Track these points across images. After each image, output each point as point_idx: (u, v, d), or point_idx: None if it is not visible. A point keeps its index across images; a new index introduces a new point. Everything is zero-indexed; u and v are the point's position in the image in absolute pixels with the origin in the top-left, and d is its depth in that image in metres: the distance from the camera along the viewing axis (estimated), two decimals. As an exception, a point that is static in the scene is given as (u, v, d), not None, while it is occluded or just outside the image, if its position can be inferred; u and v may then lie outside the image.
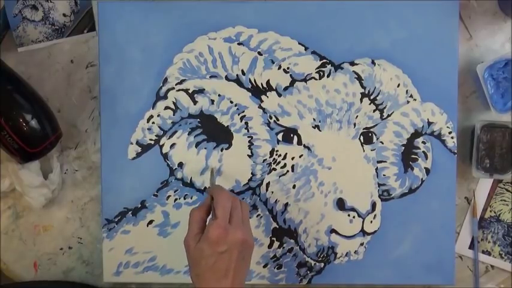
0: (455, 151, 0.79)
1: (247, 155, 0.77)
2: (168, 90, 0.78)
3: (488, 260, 0.81)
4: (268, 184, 0.77)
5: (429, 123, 0.78)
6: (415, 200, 0.79)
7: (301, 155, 0.77)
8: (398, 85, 0.78)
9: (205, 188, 0.78)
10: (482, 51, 0.80)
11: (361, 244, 0.78)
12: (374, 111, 0.78)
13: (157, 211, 0.78)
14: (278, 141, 0.77)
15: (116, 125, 0.78)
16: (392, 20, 0.78)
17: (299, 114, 0.77)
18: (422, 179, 0.79)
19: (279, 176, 0.77)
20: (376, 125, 0.78)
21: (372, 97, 0.77)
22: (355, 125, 0.77)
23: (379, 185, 0.78)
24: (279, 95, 0.77)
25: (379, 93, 0.78)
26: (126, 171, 0.78)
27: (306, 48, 0.78)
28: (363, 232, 0.77)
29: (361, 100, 0.77)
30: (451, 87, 0.78)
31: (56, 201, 0.81)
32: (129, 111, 0.78)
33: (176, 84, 0.78)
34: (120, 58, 0.78)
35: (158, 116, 0.78)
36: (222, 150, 0.77)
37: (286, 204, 0.77)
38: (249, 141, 0.77)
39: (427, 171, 0.79)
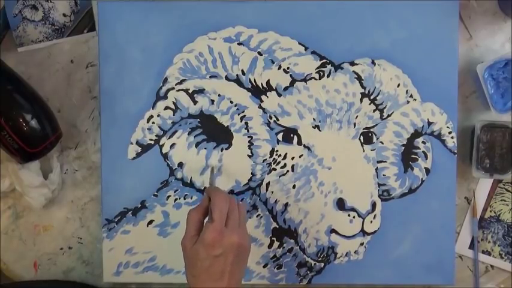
0: (455, 151, 0.79)
1: (247, 155, 0.77)
2: (168, 90, 0.78)
3: (488, 260, 0.81)
4: (268, 184, 0.77)
5: (429, 123, 0.78)
6: (415, 200, 0.79)
7: (301, 155, 0.77)
8: (398, 85, 0.78)
9: (205, 187, 0.78)
10: (482, 51, 0.80)
11: (361, 244, 0.78)
12: (374, 111, 0.78)
13: (157, 211, 0.78)
14: (278, 141, 0.77)
15: (116, 125, 0.78)
16: (392, 20, 0.78)
17: (299, 114, 0.77)
18: (422, 179, 0.79)
19: (279, 176, 0.77)
20: (376, 125, 0.78)
21: (372, 97, 0.77)
22: (355, 125, 0.77)
23: (379, 185, 0.78)
24: (279, 95, 0.77)
25: (379, 93, 0.78)
26: (126, 171, 0.78)
27: (306, 48, 0.78)
28: (363, 232, 0.77)
29: (361, 100, 0.77)
30: (451, 87, 0.78)
31: (56, 201, 0.81)
32: (129, 111, 0.78)
33: (176, 84, 0.78)
34: (120, 58, 0.78)
35: (158, 116, 0.78)
36: (222, 150, 0.77)
37: (286, 204, 0.77)
38: (249, 141, 0.77)
39: (427, 171, 0.79)
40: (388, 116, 0.78)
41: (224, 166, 0.77)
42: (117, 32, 0.78)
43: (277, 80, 0.77)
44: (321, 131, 0.77)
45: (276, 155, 0.77)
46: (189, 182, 0.78)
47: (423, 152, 0.79)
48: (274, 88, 0.77)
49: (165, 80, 0.78)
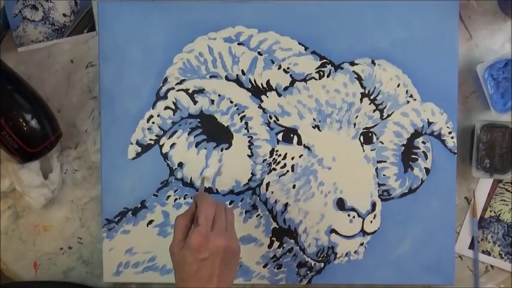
0: (455, 151, 0.79)
1: (247, 155, 0.77)
2: (168, 90, 0.78)
3: (488, 260, 0.81)
4: (268, 184, 0.77)
5: (429, 123, 0.78)
6: (415, 200, 0.79)
7: (301, 155, 0.77)
8: (398, 85, 0.78)
9: (205, 188, 0.78)
10: (482, 51, 0.80)
11: (361, 244, 0.78)
12: (374, 111, 0.78)
13: (157, 211, 0.78)
14: (278, 141, 0.77)
15: (116, 125, 0.78)
16: (392, 20, 0.78)
17: (299, 114, 0.77)
18: (422, 179, 0.79)
19: (279, 176, 0.77)
20: (376, 125, 0.78)
21: (372, 97, 0.77)
22: (355, 125, 0.77)
23: (379, 185, 0.78)
24: (279, 95, 0.77)
25: (379, 93, 0.78)
26: (126, 171, 0.78)
27: (306, 48, 0.78)
28: (363, 232, 0.77)
29: (361, 100, 0.77)
30: (451, 87, 0.78)
31: (56, 201, 0.81)
32: (129, 111, 0.78)
33: (176, 84, 0.78)
34: (120, 58, 0.78)
35: (158, 116, 0.78)
36: (222, 150, 0.77)
37: (286, 204, 0.77)
38: (249, 141, 0.77)
39: (427, 171, 0.79)
40: (388, 116, 0.78)
41: (224, 166, 0.77)
42: (117, 32, 0.78)
43: (277, 80, 0.77)
44: (321, 131, 0.77)
45: (276, 155, 0.77)
46: (189, 182, 0.78)
47: (423, 152, 0.79)
48: (274, 88, 0.77)
49: (165, 80, 0.78)
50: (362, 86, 0.77)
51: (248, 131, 0.77)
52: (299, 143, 0.77)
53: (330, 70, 0.77)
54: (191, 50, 0.78)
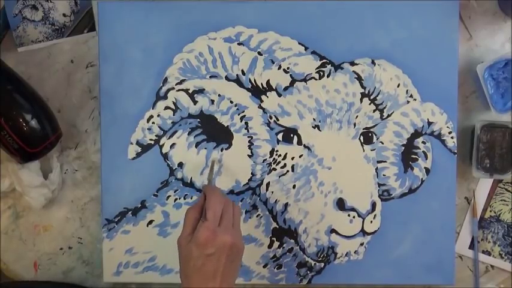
0: (455, 151, 0.79)
1: (247, 155, 0.77)
2: (168, 90, 0.78)
3: (488, 260, 0.81)
4: (268, 184, 0.77)
5: (429, 123, 0.78)
6: (415, 200, 0.79)
7: (301, 155, 0.77)
8: (398, 85, 0.78)
9: (205, 185, 0.77)
10: (482, 51, 0.80)
11: (361, 244, 0.78)
12: (374, 111, 0.78)
13: (157, 211, 0.78)
14: (278, 141, 0.77)
15: (116, 125, 0.78)
16: (392, 20, 0.78)
17: (299, 114, 0.77)
18: (422, 179, 0.79)
19: (279, 176, 0.77)
20: (376, 125, 0.78)
21: (372, 97, 0.77)
22: (355, 125, 0.77)
23: (379, 185, 0.78)
24: (279, 95, 0.77)
25: (379, 93, 0.78)
26: (126, 171, 0.78)
27: (306, 48, 0.78)
28: (363, 232, 0.77)
29: (361, 100, 0.77)
30: (451, 87, 0.78)
31: (56, 201, 0.81)
32: (129, 111, 0.78)
33: (176, 84, 0.78)
34: (120, 58, 0.78)
35: (158, 116, 0.78)
36: (222, 150, 0.77)
37: (286, 204, 0.77)
38: (249, 141, 0.77)
39: (427, 171, 0.79)
40: (388, 116, 0.78)
41: (224, 166, 0.77)
42: (117, 32, 0.78)
43: (277, 80, 0.77)
44: (321, 131, 0.77)
45: (276, 155, 0.77)
46: (189, 182, 0.78)
47: (423, 152, 0.79)
48: (274, 88, 0.77)
49: (165, 80, 0.78)
50: (362, 86, 0.77)
51: (248, 131, 0.77)
52: (299, 143, 0.77)
53: (330, 70, 0.77)
54: (191, 50, 0.78)
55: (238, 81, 0.77)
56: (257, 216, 0.78)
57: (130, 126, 0.78)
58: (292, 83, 0.77)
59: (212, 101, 0.77)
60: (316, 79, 0.77)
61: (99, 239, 0.80)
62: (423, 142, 0.79)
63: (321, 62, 0.77)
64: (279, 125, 0.77)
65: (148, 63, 0.78)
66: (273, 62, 0.77)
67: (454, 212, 0.79)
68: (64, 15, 0.80)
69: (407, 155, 0.79)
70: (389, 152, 0.78)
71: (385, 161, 0.78)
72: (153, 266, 0.79)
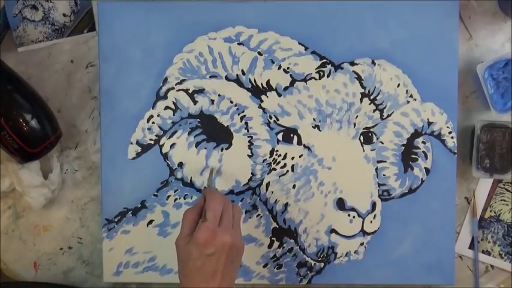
0: (455, 151, 0.79)
1: (247, 155, 0.77)
2: (168, 90, 0.78)
3: (488, 260, 0.81)
4: (268, 184, 0.77)
5: (429, 123, 0.78)
6: (415, 200, 0.79)
7: (301, 155, 0.77)
8: (398, 85, 0.78)
9: (205, 187, 0.78)
10: (482, 51, 0.80)
11: (361, 244, 0.78)
12: (374, 111, 0.78)
13: (157, 211, 0.78)
14: (278, 141, 0.77)
15: (116, 125, 0.78)
16: (392, 20, 0.78)
17: (299, 114, 0.77)
18: (422, 179, 0.79)
19: (279, 176, 0.77)
20: (376, 125, 0.78)
21: (372, 97, 0.77)
22: (355, 125, 0.77)
23: (379, 185, 0.78)
24: (279, 95, 0.77)
25: (379, 93, 0.78)
26: (126, 171, 0.78)
27: (306, 48, 0.78)
28: (363, 232, 0.77)
29: (361, 100, 0.77)
30: (451, 87, 0.78)
31: (56, 201, 0.81)
32: (129, 111, 0.78)
33: (176, 84, 0.78)
34: (120, 58, 0.78)
35: (158, 116, 0.78)
36: (222, 150, 0.77)
37: (286, 204, 0.77)
38: (249, 141, 0.77)
39: (427, 171, 0.79)
40: (388, 116, 0.78)
41: (224, 166, 0.77)
42: (117, 32, 0.78)
43: (277, 80, 0.77)
44: (321, 131, 0.77)
45: (276, 155, 0.77)
46: (189, 182, 0.78)
47: (423, 152, 0.79)
48: (274, 88, 0.77)
49: (165, 80, 0.78)
50: (362, 86, 0.77)
51: (248, 131, 0.77)
52: (299, 143, 0.77)
53: (330, 70, 0.77)
54: (191, 50, 0.78)
55: (238, 81, 0.77)
56: (257, 216, 0.78)
57: (131, 126, 0.78)
58: (292, 83, 0.77)
59: (212, 101, 0.77)
60: (316, 79, 0.77)
61: (99, 239, 0.80)
62: (423, 142, 0.79)
63: (321, 62, 0.77)
64: (279, 125, 0.77)
65: (148, 63, 0.78)
66: (273, 62, 0.77)
67: (454, 212, 0.79)
68: (64, 15, 0.80)
69: (407, 155, 0.79)
70: (389, 152, 0.78)
71: (385, 161, 0.78)
72: (153, 266, 0.79)
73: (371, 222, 0.77)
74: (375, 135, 0.78)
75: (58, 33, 0.81)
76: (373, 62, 0.78)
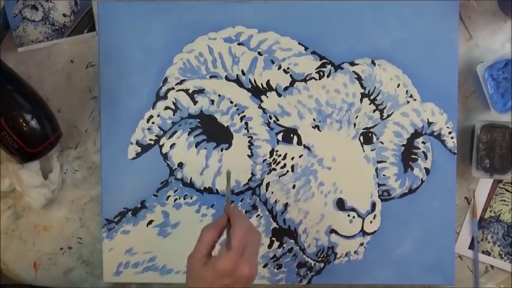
0: (455, 151, 0.79)
1: (247, 155, 0.77)
2: (168, 90, 0.78)
3: (488, 260, 0.81)
4: (268, 184, 0.77)
5: (429, 123, 0.78)
6: (415, 200, 0.79)
7: (301, 155, 0.77)
8: (398, 85, 0.78)
9: (204, 188, 0.78)
10: (482, 51, 0.80)
11: (361, 244, 0.78)
12: (374, 111, 0.78)
13: (157, 211, 0.78)
14: (278, 141, 0.77)
15: (116, 125, 0.78)
16: (392, 20, 0.78)
17: (299, 114, 0.77)
18: (422, 179, 0.79)
19: (279, 176, 0.77)
20: (376, 125, 0.78)
21: (372, 97, 0.77)
22: (355, 125, 0.77)
23: (379, 185, 0.78)
24: (279, 95, 0.77)
25: (379, 93, 0.78)
26: (126, 171, 0.78)
27: (306, 48, 0.78)
28: (363, 232, 0.77)
29: (361, 100, 0.77)
30: (451, 87, 0.78)
31: (56, 201, 0.81)
32: (129, 111, 0.78)
33: (176, 84, 0.78)
34: (120, 58, 0.78)
35: (158, 116, 0.78)
36: (222, 150, 0.77)
37: (286, 204, 0.77)
38: (249, 141, 0.77)
39: (427, 171, 0.79)
40: (388, 116, 0.78)
41: (224, 166, 0.77)
42: (117, 32, 0.78)
43: (277, 80, 0.77)
44: (321, 131, 0.77)
45: (276, 155, 0.77)
46: (189, 182, 0.78)
47: (423, 152, 0.79)
48: (274, 88, 0.77)
49: (165, 80, 0.78)
50: (362, 86, 0.77)
51: (248, 131, 0.77)
52: (299, 143, 0.77)
53: (330, 70, 0.77)
54: (191, 50, 0.78)
55: (238, 81, 0.77)
56: (257, 216, 0.78)
57: (131, 126, 0.78)
58: (292, 83, 0.77)
59: (212, 101, 0.77)
60: (316, 79, 0.77)
61: (99, 239, 0.80)
62: (423, 142, 0.79)
63: (321, 62, 0.77)
64: (279, 125, 0.77)
65: (148, 63, 0.78)
66: (273, 62, 0.77)
67: (454, 212, 0.79)
68: (64, 15, 0.80)
69: (407, 155, 0.79)
70: (389, 152, 0.78)
71: (385, 161, 0.78)
72: (153, 266, 0.79)
73: (371, 222, 0.77)
74: (375, 135, 0.78)
75: (58, 33, 0.81)
76: (373, 62, 0.78)
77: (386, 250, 0.79)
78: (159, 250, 0.79)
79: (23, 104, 0.74)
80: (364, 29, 0.78)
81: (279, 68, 0.77)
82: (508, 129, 0.76)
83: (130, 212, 0.79)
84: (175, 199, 0.78)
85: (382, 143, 0.78)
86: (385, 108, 0.78)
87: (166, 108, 0.77)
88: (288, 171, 0.77)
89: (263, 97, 0.77)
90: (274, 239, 0.78)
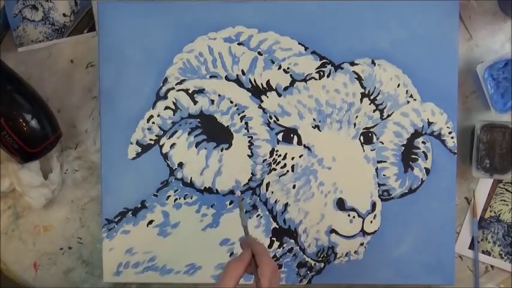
0: (455, 151, 0.79)
1: (247, 155, 0.77)
2: (168, 90, 0.78)
3: (488, 260, 0.81)
4: (268, 184, 0.77)
5: (429, 123, 0.78)
6: (415, 200, 0.79)
7: (301, 155, 0.77)
8: (398, 85, 0.78)
9: (205, 188, 0.78)
10: (482, 51, 0.80)
11: (361, 244, 0.78)
12: (374, 111, 0.78)
13: (157, 211, 0.78)
14: (278, 141, 0.77)
15: (116, 125, 0.78)
16: (392, 20, 0.78)
17: (299, 114, 0.77)
18: (422, 179, 0.79)
19: (279, 176, 0.77)
20: (376, 125, 0.78)
21: (372, 97, 0.77)
22: (355, 125, 0.77)
23: (379, 185, 0.78)
24: (279, 95, 0.77)
25: (379, 93, 0.78)
26: (126, 171, 0.78)
27: (306, 48, 0.78)
28: (363, 232, 0.77)
29: (361, 100, 0.77)
30: (451, 87, 0.78)
31: (56, 201, 0.81)
32: (129, 111, 0.78)
33: (176, 84, 0.78)
34: (120, 58, 0.78)
35: (158, 116, 0.78)
36: (222, 150, 0.77)
37: (286, 204, 0.77)
38: (249, 141, 0.77)
39: (427, 171, 0.79)
40: (388, 116, 0.78)
41: (224, 166, 0.77)
42: (117, 32, 0.78)
43: (277, 80, 0.77)
44: (321, 131, 0.77)
45: (276, 155, 0.77)
46: (189, 182, 0.78)
47: (423, 152, 0.79)
48: (274, 88, 0.77)
49: (165, 80, 0.78)
50: (362, 86, 0.77)
51: (248, 131, 0.77)
52: (299, 143, 0.77)
53: (330, 70, 0.77)
54: (191, 50, 0.78)
55: (238, 81, 0.77)
56: (257, 216, 0.78)
57: (131, 126, 0.78)
58: (292, 83, 0.77)
59: (212, 101, 0.77)
60: (316, 79, 0.77)
61: (99, 239, 0.80)
62: (423, 142, 0.79)
63: (321, 62, 0.77)
64: (279, 125, 0.77)
65: (148, 63, 0.78)
66: (273, 62, 0.77)
67: (454, 212, 0.79)
68: (64, 15, 0.80)
69: (407, 155, 0.79)
70: (389, 152, 0.78)
71: (385, 161, 0.78)
72: (153, 266, 0.79)
73: (371, 222, 0.77)
74: (375, 135, 0.78)
75: (58, 33, 0.81)
76: (373, 62, 0.78)
77: (387, 250, 0.79)
78: (159, 250, 0.79)
79: (23, 104, 0.74)
80: (364, 29, 0.78)
81: (279, 68, 0.77)
82: (508, 129, 0.76)
83: (130, 212, 0.79)
84: (176, 199, 0.78)
85: (382, 143, 0.78)
86: (385, 108, 0.78)
87: (167, 108, 0.77)
88: (288, 171, 0.77)
89: (263, 97, 0.77)
90: (274, 239, 0.78)
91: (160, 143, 0.78)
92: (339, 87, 0.77)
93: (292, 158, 0.77)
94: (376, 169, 0.78)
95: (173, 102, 0.77)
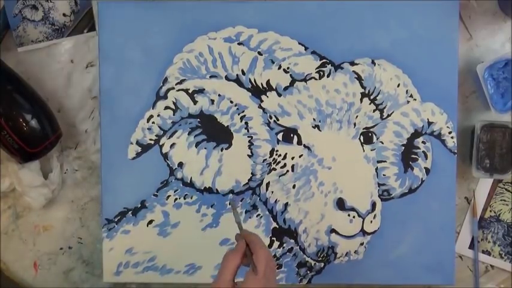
0: (455, 151, 0.79)
1: (247, 155, 0.77)
2: (168, 90, 0.78)
3: (488, 260, 0.81)
4: (268, 184, 0.77)
5: (429, 123, 0.78)
6: (415, 200, 0.79)
7: (301, 155, 0.77)
8: (398, 85, 0.78)
9: (204, 187, 0.78)
10: (482, 51, 0.80)
11: (361, 244, 0.78)
12: (374, 111, 0.78)
13: (157, 211, 0.78)
14: (278, 141, 0.77)
15: (116, 125, 0.78)
16: (392, 20, 0.78)
17: (299, 114, 0.77)
18: (422, 179, 0.79)
19: (279, 176, 0.77)
20: (376, 125, 0.78)
21: (372, 97, 0.77)
22: (355, 125, 0.77)
23: (379, 184, 0.78)
24: (279, 95, 0.77)
25: (379, 93, 0.78)
26: (126, 171, 0.78)
27: (306, 48, 0.78)
28: (363, 232, 0.77)
29: (361, 100, 0.77)
30: (451, 87, 0.78)
31: (56, 201, 0.81)
32: (129, 111, 0.78)
33: (176, 84, 0.78)
34: (120, 58, 0.78)
35: (158, 115, 0.78)
36: (222, 150, 0.77)
37: (286, 204, 0.77)
38: (249, 141, 0.77)
39: (427, 171, 0.79)
40: (388, 116, 0.78)
41: (224, 166, 0.77)
42: (117, 32, 0.78)
43: (277, 80, 0.77)
44: (321, 131, 0.77)
45: (276, 155, 0.77)
46: (189, 181, 0.78)
47: (423, 152, 0.79)
48: (274, 88, 0.77)
49: (165, 80, 0.78)
50: (362, 86, 0.77)
51: (248, 131, 0.77)
52: (299, 143, 0.77)
53: (330, 70, 0.77)
54: (191, 50, 0.78)
55: (238, 81, 0.77)
56: (257, 216, 0.78)
57: (130, 126, 0.78)
58: (292, 83, 0.77)
59: (212, 101, 0.77)
60: (316, 79, 0.77)
61: (99, 239, 0.80)
62: (423, 142, 0.79)
63: (321, 62, 0.77)
64: (279, 125, 0.77)
65: (148, 63, 0.78)
66: (273, 62, 0.77)
67: (454, 212, 0.79)
68: (64, 15, 0.80)
69: (407, 155, 0.79)
70: (389, 152, 0.78)
71: (385, 161, 0.78)
72: (153, 266, 0.79)
73: (371, 222, 0.77)
74: (375, 135, 0.78)
75: (58, 33, 0.81)
76: (373, 62, 0.78)
77: (387, 250, 0.79)
78: (159, 250, 0.79)
79: (23, 104, 0.74)
80: (364, 29, 0.78)
81: (279, 67, 0.77)
82: (508, 129, 0.76)
83: (130, 212, 0.79)
84: (176, 199, 0.78)
85: (382, 143, 0.78)
86: (385, 108, 0.78)
87: (167, 108, 0.77)
88: (288, 171, 0.77)
89: (263, 97, 0.77)
90: (274, 238, 0.78)
91: (160, 143, 0.78)
92: (339, 87, 0.77)
93: (292, 158, 0.77)
94: (376, 169, 0.78)
95: (173, 102, 0.77)
